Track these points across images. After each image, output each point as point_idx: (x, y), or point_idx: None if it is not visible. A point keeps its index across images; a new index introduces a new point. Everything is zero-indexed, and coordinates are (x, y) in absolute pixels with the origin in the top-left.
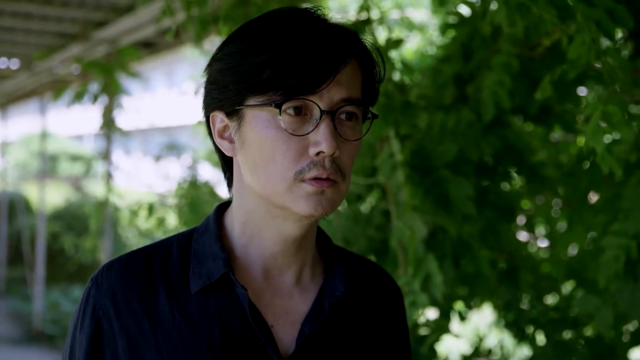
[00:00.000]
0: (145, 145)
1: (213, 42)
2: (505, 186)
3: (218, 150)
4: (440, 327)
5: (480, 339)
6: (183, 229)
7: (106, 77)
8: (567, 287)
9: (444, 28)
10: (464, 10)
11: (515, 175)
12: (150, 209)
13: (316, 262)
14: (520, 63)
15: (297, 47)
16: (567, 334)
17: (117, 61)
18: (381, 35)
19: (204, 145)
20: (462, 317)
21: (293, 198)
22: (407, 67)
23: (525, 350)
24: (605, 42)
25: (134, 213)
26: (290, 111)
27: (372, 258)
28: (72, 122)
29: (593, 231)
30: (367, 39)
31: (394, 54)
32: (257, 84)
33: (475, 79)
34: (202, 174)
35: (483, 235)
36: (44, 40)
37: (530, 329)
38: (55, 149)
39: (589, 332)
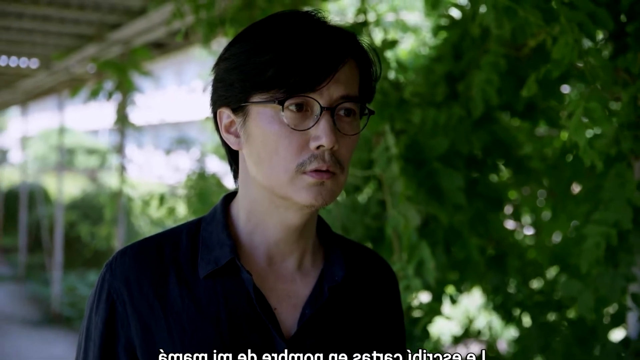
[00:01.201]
0: (156, 139)
1: (220, 43)
2: (494, 178)
3: (225, 144)
4: (433, 309)
5: (470, 321)
6: (192, 218)
7: (120, 75)
8: (552, 272)
9: (436, 30)
10: (455, 13)
11: (502, 167)
12: (161, 199)
13: (316, 249)
14: (507, 62)
15: (298, 48)
16: (552, 316)
17: (130, 61)
18: (377, 36)
19: (212, 139)
20: (453, 300)
21: (295, 189)
22: (401, 66)
23: (512, 332)
24: (587, 43)
25: (146, 203)
26: (292, 107)
27: (369, 245)
28: (88, 117)
29: (576, 220)
30: (364, 40)
31: (389, 54)
32: (261, 82)
33: (465, 78)
34: (210, 166)
35: (473, 224)
36: (62, 41)
37: (516, 312)
38: (73, 143)
39: (571, 314)
